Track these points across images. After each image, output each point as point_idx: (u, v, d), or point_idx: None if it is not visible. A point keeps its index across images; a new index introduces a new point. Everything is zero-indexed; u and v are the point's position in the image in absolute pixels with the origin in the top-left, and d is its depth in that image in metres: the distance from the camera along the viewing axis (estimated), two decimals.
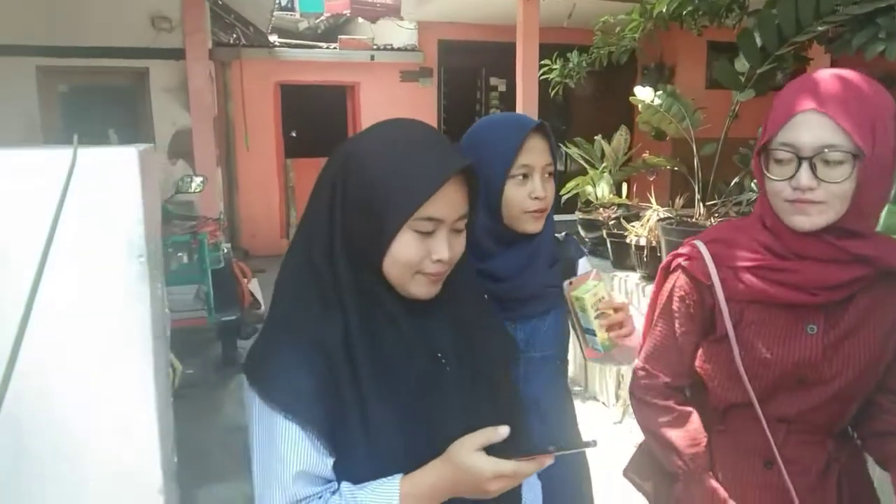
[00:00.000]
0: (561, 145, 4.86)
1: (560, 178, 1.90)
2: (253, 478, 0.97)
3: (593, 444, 0.95)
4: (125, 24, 7.12)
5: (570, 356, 1.64)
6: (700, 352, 1.31)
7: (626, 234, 3.73)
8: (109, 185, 0.90)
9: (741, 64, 3.22)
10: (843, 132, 1.09)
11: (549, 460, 0.94)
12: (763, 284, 1.19)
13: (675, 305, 1.31)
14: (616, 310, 1.38)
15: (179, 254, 4.46)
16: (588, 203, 4.31)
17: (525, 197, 1.41)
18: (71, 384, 1.00)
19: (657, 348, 1.35)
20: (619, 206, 4.12)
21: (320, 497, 0.93)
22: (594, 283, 1.33)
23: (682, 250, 1.31)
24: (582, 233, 4.45)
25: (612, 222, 3.98)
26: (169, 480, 1.12)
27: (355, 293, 0.97)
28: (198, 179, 4.80)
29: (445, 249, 1.00)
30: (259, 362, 0.95)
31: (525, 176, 1.42)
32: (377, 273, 0.98)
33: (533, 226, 1.44)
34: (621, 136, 4.37)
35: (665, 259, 1.39)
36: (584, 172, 4.60)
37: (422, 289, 1.01)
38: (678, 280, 1.31)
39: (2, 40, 6.64)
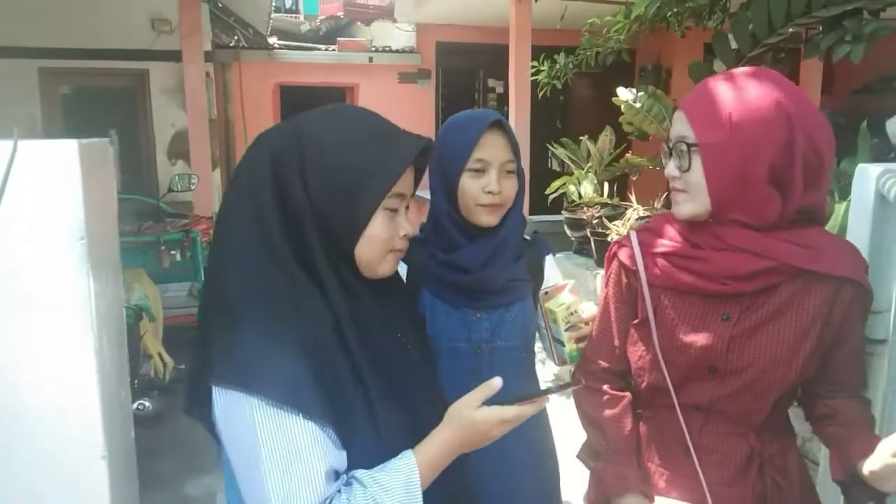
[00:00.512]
0: (549, 146, 4.92)
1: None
2: (247, 489, 0.92)
3: (581, 383, 1.20)
4: (126, 26, 7.23)
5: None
6: (628, 336, 1.35)
7: (608, 232, 3.79)
8: (51, 174, 0.96)
9: (718, 65, 3.26)
10: (689, 126, 1.17)
11: (545, 402, 1.03)
12: (676, 271, 1.23)
13: (611, 291, 1.36)
14: (587, 323, 1.41)
15: (172, 251, 4.54)
16: (573, 203, 4.36)
17: (479, 190, 1.46)
18: (12, 360, 1.06)
19: (598, 334, 1.40)
20: (603, 205, 4.17)
21: (339, 491, 0.92)
22: (569, 298, 1.35)
23: (620, 239, 1.37)
24: (568, 232, 4.50)
25: (596, 221, 4.03)
26: (118, 451, 1.18)
27: (334, 283, 0.98)
28: (190, 178, 4.88)
29: (409, 225, 1.06)
30: (252, 368, 0.90)
31: (480, 170, 1.46)
32: (347, 259, 1.01)
33: (486, 218, 1.48)
34: (606, 136, 4.42)
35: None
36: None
37: (389, 266, 1.06)
38: (613, 267, 1.36)
39: (5, 42, 6.75)
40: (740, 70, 1.19)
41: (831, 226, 2.28)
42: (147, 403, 3.42)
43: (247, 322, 0.93)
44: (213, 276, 1.01)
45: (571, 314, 1.37)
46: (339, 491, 0.92)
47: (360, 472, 0.95)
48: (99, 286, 1.08)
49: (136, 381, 3.42)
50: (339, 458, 0.94)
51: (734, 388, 1.21)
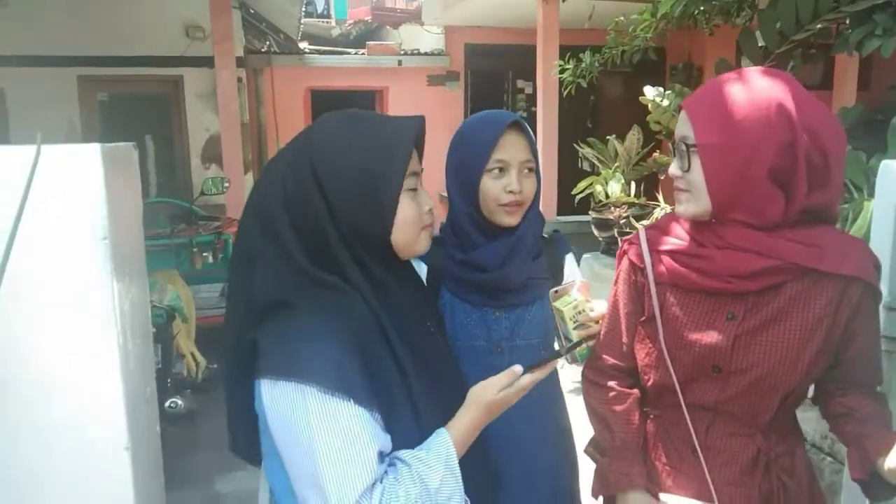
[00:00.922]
0: (576, 145, 4.89)
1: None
2: (299, 475, 0.97)
3: (585, 342, 1.32)
4: (161, 33, 7.39)
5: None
6: (636, 334, 1.35)
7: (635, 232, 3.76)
8: (74, 176, 1.00)
9: (746, 63, 3.23)
10: (690, 126, 1.17)
11: (555, 363, 1.15)
12: (681, 269, 1.23)
13: (620, 288, 1.37)
14: (596, 322, 1.41)
15: (205, 253, 4.63)
16: (600, 203, 4.34)
17: (500, 190, 1.48)
18: (38, 355, 1.11)
19: (607, 331, 1.40)
20: (631, 205, 4.14)
21: (386, 473, 0.98)
22: (576, 297, 1.36)
23: (630, 237, 1.38)
24: (595, 232, 4.48)
25: (623, 221, 4.00)
26: (142, 444, 1.22)
27: (361, 279, 1.05)
28: (222, 182, 4.97)
29: (428, 197, 1.15)
30: (303, 359, 0.96)
31: (501, 170, 1.48)
32: (379, 250, 1.09)
33: (508, 219, 1.50)
34: (634, 135, 4.38)
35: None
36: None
37: (424, 243, 1.15)
38: (623, 264, 1.36)
39: (47, 51, 6.96)
40: (747, 69, 1.19)
41: (860, 224, 2.24)
42: (179, 402, 3.50)
43: (293, 319, 1.00)
44: (241, 290, 1.05)
45: (579, 313, 1.38)
46: (385, 472, 0.97)
47: (402, 453, 1.01)
48: (122, 285, 1.13)
49: (169, 380, 3.50)
50: (386, 441, 0.99)
51: (739, 387, 1.20)
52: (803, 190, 1.13)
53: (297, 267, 1.03)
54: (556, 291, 1.38)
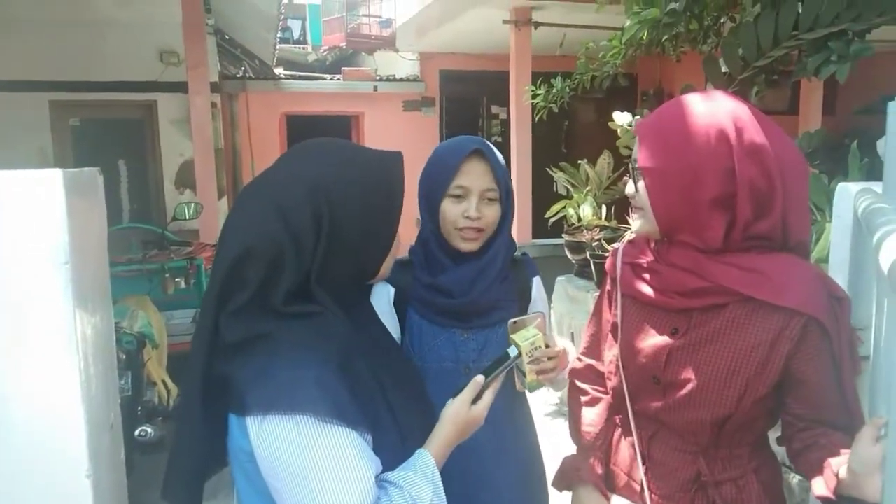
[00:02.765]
0: (548, 170, 4.95)
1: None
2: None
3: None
4: (134, 59, 7.38)
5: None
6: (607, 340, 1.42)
7: (608, 255, 3.80)
8: (36, 201, 1.00)
9: (711, 88, 3.30)
10: (637, 148, 1.21)
11: (503, 376, 1.20)
12: (637, 281, 1.28)
13: (602, 296, 1.44)
14: (551, 358, 1.43)
15: (177, 279, 4.59)
16: (573, 226, 4.39)
17: (458, 215, 1.50)
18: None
19: (590, 336, 1.49)
20: (602, 227, 4.19)
21: (379, 497, 0.97)
22: (534, 333, 1.38)
23: (614, 249, 1.44)
24: (569, 255, 4.52)
25: (595, 244, 4.05)
26: (105, 471, 1.20)
27: (334, 303, 1.05)
28: (193, 206, 4.94)
29: None
30: (293, 390, 0.95)
31: (460, 196, 1.50)
32: (364, 279, 1.14)
33: (465, 244, 1.52)
34: (604, 160, 4.46)
35: None
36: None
37: (390, 269, 1.20)
38: (606, 275, 1.43)
39: (17, 76, 6.91)
40: (696, 95, 1.21)
41: (822, 246, 2.30)
42: (150, 430, 3.43)
43: (274, 350, 0.99)
44: (210, 326, 1.02)
45: (536, 349, 1.41)
46: (378, 497, 0.97)
47: (390, 475, 1.01)
48: (84, 310, 1.12)
49: (139, 408, 3.44)
50: (378, 464, 1.00)
51: (674, 402, 1.22)
52: (746, 216, 1.14)
53: (271, 307, 1.02)
54: (514, 323, 1.41)
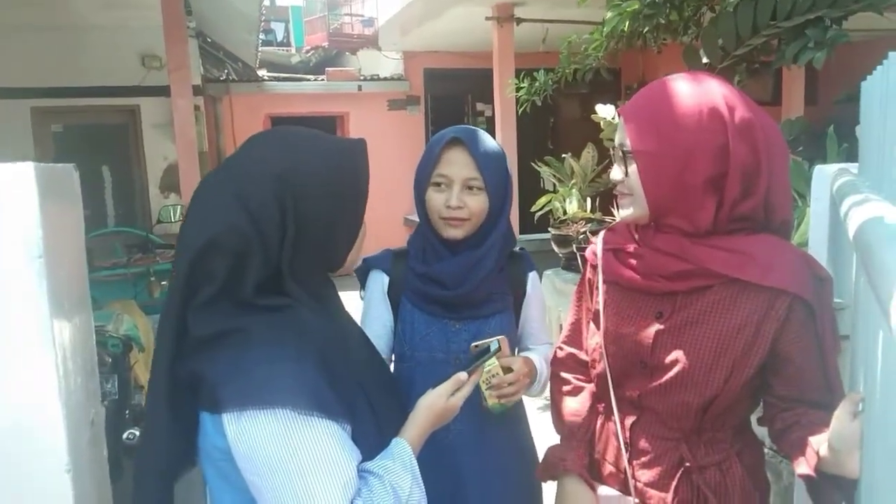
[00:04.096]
0: (533, 164, 4.96)
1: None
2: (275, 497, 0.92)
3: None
4: (117, 63, 7.33)
5: None
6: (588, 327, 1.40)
7: None
8: (7, 195, 0.99)
9: None
10: (626, 133, 1.19)
11: (482, 369, 1.24)
12: (619, 266, 1.28)
13: (582, 285, 1.43)
14: (510, 383, 1.46)
15: (163, 282, 4.56)
16: (559, 220, 4.40)
17: (440, 204, 1.51)
18: None
19: (570, 325, 1.47)
20: (588, 220, 4.21)
21: (360, 488, 0.96)
22: (490, 362, 1.38)
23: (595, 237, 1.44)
24: (555, 248, 4.52)
25: (581, 237, 4.06)
26: (85, 467, 1.19)
27: (306, 294, 1.04)
28: (179, 209, 4.92)
29: None
30: (271, 384, 0.93)
31: (443, 184, 1.51)
32: (331, 269, 1.12)
33: (450, 231, 1.52)
34: (588, 153, 4.47)
35: None
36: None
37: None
38: (586, 263, 1.43)
39: None
40: (680, 75, 1.20)
41: (802, 230, 2.31)
42: (138, 433, 3.41)
43: (249, 345, 0.97)
44: (175, 321, 1.00)
45: (493, 376, 1.43)
46: (358, 487, 0.96)
47: (369, 465, 1.01)
48: (60, 305, 1.11)
49: (127, 411, 3.41)
50: (358, 455, 0.99)
51: (661, 385, 1.21)
52: (733, 195, 1.14)
53: (242, 300, 1.00)
54: (475, 346, 1.41)
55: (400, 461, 1.03)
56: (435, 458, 1.49)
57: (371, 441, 1.05)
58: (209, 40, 8.83)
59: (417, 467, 1.05)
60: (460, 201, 1.50)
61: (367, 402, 1.07)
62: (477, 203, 1.52)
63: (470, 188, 1.51)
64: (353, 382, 1.06)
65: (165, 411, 0.99)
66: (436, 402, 1.13)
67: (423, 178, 1.53)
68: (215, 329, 0.98)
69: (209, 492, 1.07)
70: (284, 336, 0.98)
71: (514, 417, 1.62)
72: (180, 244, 1.01)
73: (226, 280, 0.98)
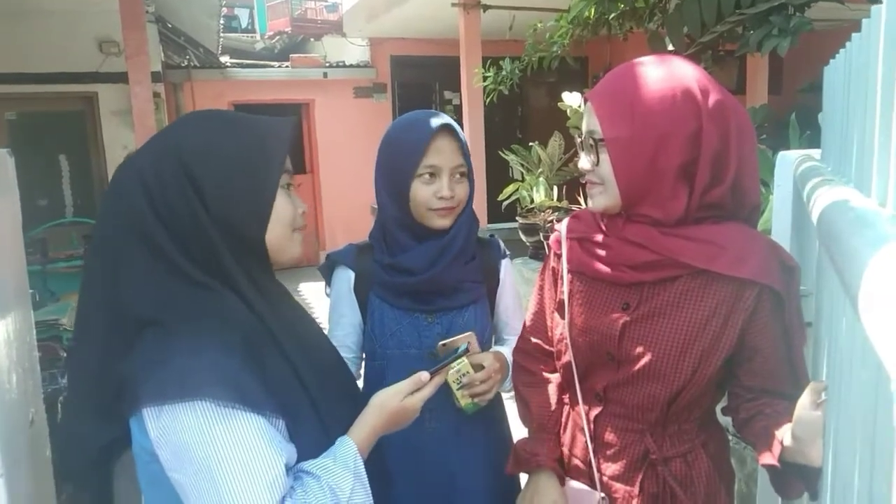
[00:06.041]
0: (501, 153, 4.94)
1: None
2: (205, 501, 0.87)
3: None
4: (73, 49, 7.11)
5: None
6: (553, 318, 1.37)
7: None
8: None
9: None
10: (597, 119, 1.14)
11: (447, 372, 1.20)
12: (585, 256, 1.25)
13: (545, 273, 1.39)
14: (482, 381, 1.42)
15: None
16: (527, 209, 4.39)
17: (431, 196, 1.45)
18: None
19: (534, 314, 1.42)
20: (556, 209, 4.20)
21: (293, 487, 0.92)
22: (459, 362, 1.35)
23: (558, 225, 1.39)
24: (523, 237, 4.52)
25: (549, 225, 4.05)
26: (22, 470, 1.14)
27: (247, 284, 0.99)
28: None
29: (302, 201, 1.09)
30: (191, 376, 0.88)
31: (432, 175, 1.46)
32: (255, 256, 1.02)
33: (440, 221, 1.48)
34: (555, 141, 4.46)
35: None
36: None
37: (297, 247, 1.09)
38: (549, 252, 1.39)
39: None
40: (649, 58, 1.16)
41: (766, 217, 2.32)
42: None
43: (171, 337, 0.92)
44: (107, 304, 0.96)
45: (463, 375, 1.39)
46: (292, 487, 0.91)
47: (307, 464, 0.96)
48: None
49: None
50: (291, 452, 0.94)
51: (628, 377, 1.19)
52: (703, 182, 1.11)
53: (174, 267, 0.95)
54: (443, 345, 1.38)
55: (342, 461, 0.98)
56: (411, 458, 1.45)
57: (316, 441, 1.00)
58: (169, 25, 8.61)
59: (363, 468, 0.99)
60: (451, 191, 1.46)
61: (308, 399, 1.01)
62: (464, 190, 1.50)
63: (458, 176, 1.48)
64: (290, 377, 1.00)
65: (90, 410, 0.96)
66: (388, 401, 1.08)
67: (407, 171, 1.45)
68: (145, 312, 0.94)
69: (143, 501, 1.01)
70: (205, 325, 0.93)
71: (492, 414, 1.59)
72: (95, 230, 1.00)
73: (152, 260, 0.95)
